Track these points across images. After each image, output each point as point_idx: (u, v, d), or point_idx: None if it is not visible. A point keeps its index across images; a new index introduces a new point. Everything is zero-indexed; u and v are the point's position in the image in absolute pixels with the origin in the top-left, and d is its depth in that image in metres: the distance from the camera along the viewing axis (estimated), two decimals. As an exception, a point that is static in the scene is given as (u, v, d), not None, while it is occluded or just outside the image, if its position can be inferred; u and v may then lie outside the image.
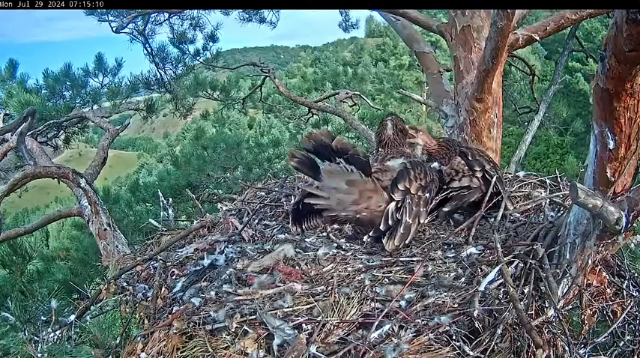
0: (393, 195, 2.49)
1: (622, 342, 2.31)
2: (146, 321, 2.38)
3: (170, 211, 3.83)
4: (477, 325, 1.89)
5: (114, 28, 6.43)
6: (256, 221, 3.09)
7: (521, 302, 1.95)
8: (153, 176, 11.97)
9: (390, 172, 2.62)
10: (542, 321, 1.94)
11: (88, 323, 2.79)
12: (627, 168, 1.94)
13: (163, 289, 2.46)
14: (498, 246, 2.14)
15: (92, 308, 2.95)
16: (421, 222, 2.52)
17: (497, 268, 2.04)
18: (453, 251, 2.40)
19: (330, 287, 2.15)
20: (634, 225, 1.93)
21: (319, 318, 1.95)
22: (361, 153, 2.30)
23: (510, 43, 4.37)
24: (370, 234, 2.49)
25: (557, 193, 2.92)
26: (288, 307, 2.05)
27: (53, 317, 2.73)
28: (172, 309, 2.29)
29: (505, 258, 2.11)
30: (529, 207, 2.82)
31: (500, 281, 2.03)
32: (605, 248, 2.13)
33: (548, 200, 2.78)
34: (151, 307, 2.37)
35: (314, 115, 8.98)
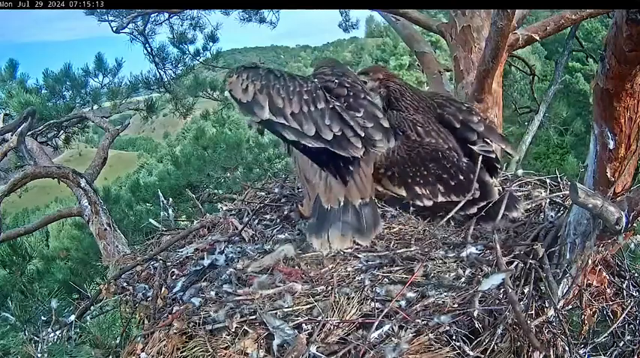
0: None
1: (622, 342, 2.31)
2: (146, 321, 2.38)
3: (170, 211, 3.82)
4: (477, 325, 1.89)
5: (114, 28, 6.44)
6: (256, 221, 3.08)
7: (521, 303, 1.95)
8: (153, 176, 11.93)
9: None
10: (542, 321, 1.94)
11: (88, 323, 2.79)
12: (627, 168, 1.95)
13: (163, 289, 2.46)
14: (498, 246, 2.10)
15: (92, 308, 2.96)
16: None
17: (501, 275, 2.01)
18: (452, 251, 2.40)
19: (330, 287, 2.14)
20: (634, 225, 1.92)
21: (319, 318, 1.95)
22: None
23: (510, 43, 4.38)
24: None
25: (557, 193, 2.92)
26: (288, 307, 2.05)
27: (53, 317, 2.73)
28: (172, 309, 2.28)
29: (505, 258, 2.10)
30: (529, 207, 2.82)
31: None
32: (605, 248, 2.13)
33: (548, 200, 2.78)
34: (151, 307, 2.37)
35: (314, 115, 8.93)
